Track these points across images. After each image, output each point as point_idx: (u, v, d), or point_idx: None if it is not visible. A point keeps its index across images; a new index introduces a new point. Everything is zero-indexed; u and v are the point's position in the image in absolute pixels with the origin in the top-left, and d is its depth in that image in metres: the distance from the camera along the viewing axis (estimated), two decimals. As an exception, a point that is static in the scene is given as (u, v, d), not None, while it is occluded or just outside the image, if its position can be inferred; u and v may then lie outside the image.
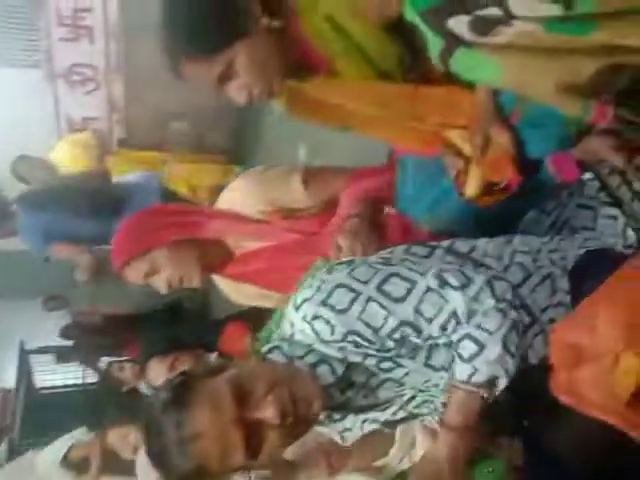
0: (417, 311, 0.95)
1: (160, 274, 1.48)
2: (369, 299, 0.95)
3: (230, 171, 4.11)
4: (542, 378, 0.95)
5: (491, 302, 0.94)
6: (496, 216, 1.27)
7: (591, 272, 1.00)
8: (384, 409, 1.08)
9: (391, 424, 1.14)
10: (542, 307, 1.01)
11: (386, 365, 1.01)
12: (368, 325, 0.95)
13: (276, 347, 1.03)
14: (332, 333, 0.96)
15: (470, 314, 0.94)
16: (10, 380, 5.01)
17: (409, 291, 0.95)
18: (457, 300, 0.94)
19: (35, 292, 5.63)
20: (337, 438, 1.14)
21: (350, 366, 1.00)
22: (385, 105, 1.17)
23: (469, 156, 1.11)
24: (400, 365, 1.01)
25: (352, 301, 0.96)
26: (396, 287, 0.96)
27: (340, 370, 0.99)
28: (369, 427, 1.11)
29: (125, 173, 3.70)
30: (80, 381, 4.66)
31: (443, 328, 0.95)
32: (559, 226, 1.28)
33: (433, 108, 1.13)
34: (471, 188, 1.11)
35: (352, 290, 0.97)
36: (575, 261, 1.06)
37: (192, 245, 1.51)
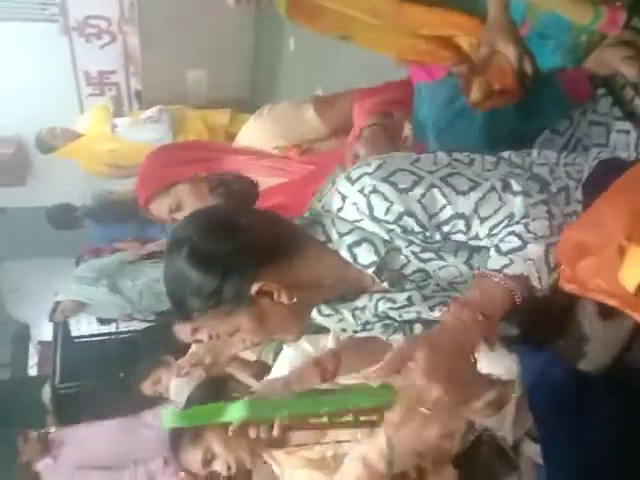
0: (476, 208, 0.96)
1: (184, 210, 1.52)
2: (432, 185, 0.96)
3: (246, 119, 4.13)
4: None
5: (544, 215, 0.96)
6: (510, 137, 1.28)
7: (603, 182, 1.02)
8: (401, 292, 1.08)
9: (400, 321, 1.13)
10: None
11: (426, 255, 1.01)
12: (425, 209, 0.95)
13: (318, 222, 1.03)
14: (387, 212, 0.96)
15: (524, 216, 0.95)
16: (48, 333, 5.23)
17: (472, 187, 0.97)
18: (516, 204, 0.95)
19: (68, 250, 5.82)
20: (349, 316, 1.14)
21: (388, 253, 1.01)
22: (377, 15, 1.18)
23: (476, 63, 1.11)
24: (441, 258, 1.01)
25: (415, 183, 0.96)
26: (461, 181, 0.97)
27: (382, 250, 0.99)
28: (383, 306, 1.10)
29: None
30: (114, 329, 4.83)
31: (492, 229, 0.96)
32: (572, 145, 1.29)
33: (421, 21, 1.13)
34: (475, 93, 1.12)
35: (415, 174, 0.97)
36: (589, 172, 1.07)
37: (213, 180, 1.55)
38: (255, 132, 1.61)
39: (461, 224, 0.97)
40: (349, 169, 1.04)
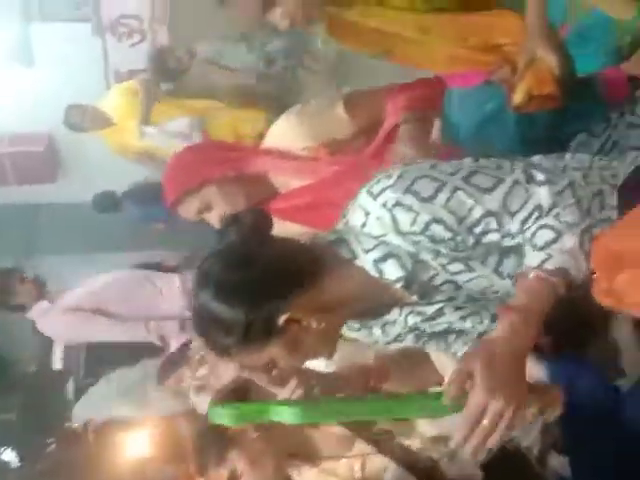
0: (503, 203, 0.95)
1: (212, 210, 1.53)
2: (455, 188, 0.95)
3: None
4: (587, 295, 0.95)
5: (572, 200, 0.95)
6: (545, 140, 1.26)
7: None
8: (431, 304, 1.07)
9: (431, 332, 1.12)
10: None
11: (455, 267, 1.00)
12: (453, 213, 0.95)
13: (342, 240, 1.03)
14: (413, 223, 0.96)
15: (552, 206, 0.94)
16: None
17: (496, 184, 0.96)
18: (542, 194, 0.95)
19: (98, 246, 5.90)
20: (378, 331, 1.13)
21: (415, 265, 1.00)
22: (425, 31, 1.18)
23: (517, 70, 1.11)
24: (469, 269, 1.00)
25: (437, 190, 0.95)
26: (484, 179, 0.96)
27: (409, 265, 0.99)
28: (413, 320, 1.09)
29: (171, 118, 3.81)
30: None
31: (524, 223, 0.95)
32: (608, 148, 1.26)
33: (473, 30, 1.13)
34: (517, 97, 1.13)
35: (437, 180, 0.97)
36: (625, 177, 1.04)
37: (240, 181, 1.55)
38: (283, 132, 1.60)
39: (493, 222, 0.95)
40: (370, 182, 1.02)
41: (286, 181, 1.58)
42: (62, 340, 3.25)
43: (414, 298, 1.04)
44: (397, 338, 1.14)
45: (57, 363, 5.67)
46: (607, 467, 1.26)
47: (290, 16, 1.17)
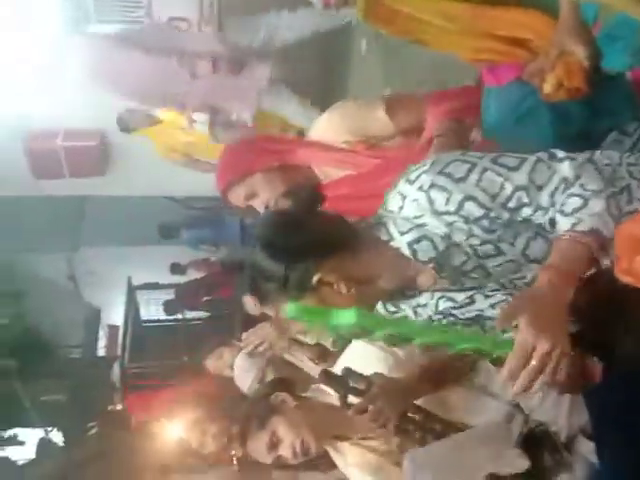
0: (530, 178, 1.02)
1: (258, 198, 1.63)
2: (485, 169, 1.04)
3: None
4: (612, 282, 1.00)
5: (594, 171, 1.02)
6: (578, 138, 1.30)
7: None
8: (462, 291, 1.14)
9: (465, 319, 1.18)
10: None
11: (485, 250, 1.07)
12: (485, 191, 1.03)
13: (381, 223, 1.13)
14: (447, 202, 1.04)
15: (577, 177, 1.01)
16: (118, 317, 5.50)
17: (521, 162, 1.04)
18: (565, 167, 1.02)
19: (141, 240, 6.07)
20: (410, 312, 1.21)
21: (447, 249, 1.08)
22: (452, 19, 1.23)
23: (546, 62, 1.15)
24: (499, 252, 1.07)
25: (469, 171, 1.04)
26: (509, 160, 1.05)
27: (442, 247, 1.07)
28: (444, 305, 1.17)
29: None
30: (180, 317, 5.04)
31: (553, 195, 1.02)
32: (640, 146, 1.30)
33: (499, 24, 1.18)
34: (547, 86, 1.17)
35: (467, 162, 1.06)
36: None
37: (284, 171, 1.64)
38: (326, 126, 1.68)
39: (524, 196, 1.02)
40: (407, 172, 1.11)
41: (328, 172, 1.67)
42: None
43: (445, 283, 1.11)
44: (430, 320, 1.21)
45: (101, 351, 5.90)
46: (635, 454, 1.28)
47: None
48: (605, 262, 1.06)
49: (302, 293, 1.08)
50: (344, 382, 1.46)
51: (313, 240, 1.07)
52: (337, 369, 1.60)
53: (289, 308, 0.98)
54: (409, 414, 1.46)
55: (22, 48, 4.52)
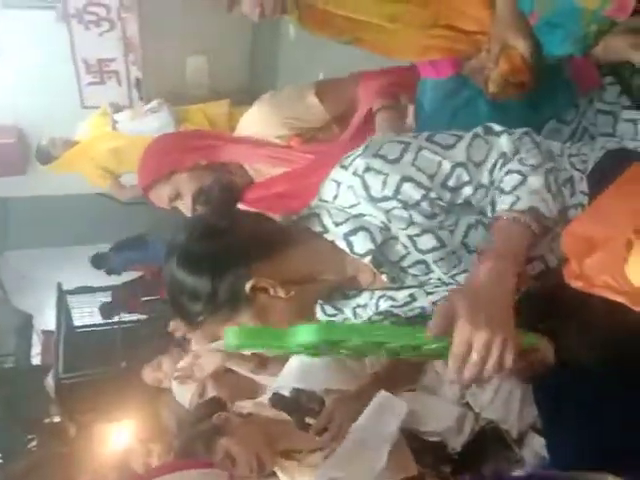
0: (468, 155, 0.97)
1: (183, 199, 1.50)
2: (420, 148, 0.98)
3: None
4: (561, 280, 0.96)
5: (532, 144, 0.98)
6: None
7: (610, 173, 1.00)
8: (402, 289, 1.07)
9: (406, 318, 1.10)
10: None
11: (425, 241, 1.00)
12: (423, 171, 0.96)
13: (314, 215, 1.04)
14: (384, 185, 0.97)
15: (515, 152, 0.96)
16: (51, 322, 5.26)
17: (457, 140, 0.98)
18: (503, 142, 0.97)
19: (69, 240, 5.83)
20: (349, 314, 1.13)
21: (386, 243, 1.00)
22: (396, 20, 1.18)
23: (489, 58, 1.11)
24: (440, 243, 1.00)
25: (403, 150, 0.98)
26: (444, 138, 0.99)
27: (379, 239, 0.99)
28: (384, 305, 1.09)
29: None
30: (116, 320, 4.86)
31: (491, 172, 0.97)
32: (579, 135, 1.27)
33: (442, 16, 1.13)
34: (492, 86, 1.15)
35: (402, 142, 0.99)
36: (595, 163, 1.05)
37: (212, 169, 1.52)
38: (256, 120, 1.58)
39: (464, 173, 0.97)
40: (341, 159, 1.03)
41: (261, 169, 1.57)
42: None
43: (384, 280, 1.03)
44: (370, 322, 1.13)
45: (36, 358, 5.64)
46: (586, 447, 1.28)
47: (260, 5, 1.15)
48: (552, 260, 1.03)
49: (236, 307, 0.96)
50: (296, 404, 1.39)
51: (237, 243, 0.96)
52: (283, 381, 1.54)
53: (229, 336, 0.83)
54: None
55: None
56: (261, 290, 0.96)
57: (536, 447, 1.45)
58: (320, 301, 1.12)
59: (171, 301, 0.99)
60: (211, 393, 1.96)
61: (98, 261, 5.49)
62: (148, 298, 5.04)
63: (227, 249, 0.95)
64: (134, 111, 3.99)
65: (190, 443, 1.54)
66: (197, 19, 4.34)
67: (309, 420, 1.39)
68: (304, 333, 0.81)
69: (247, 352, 1.94)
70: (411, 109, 1.49)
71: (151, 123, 3.71)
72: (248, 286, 0.94)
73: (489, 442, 1.50)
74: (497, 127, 0.99)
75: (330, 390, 1.46)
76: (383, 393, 1.39)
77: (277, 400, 1.42)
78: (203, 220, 1.02)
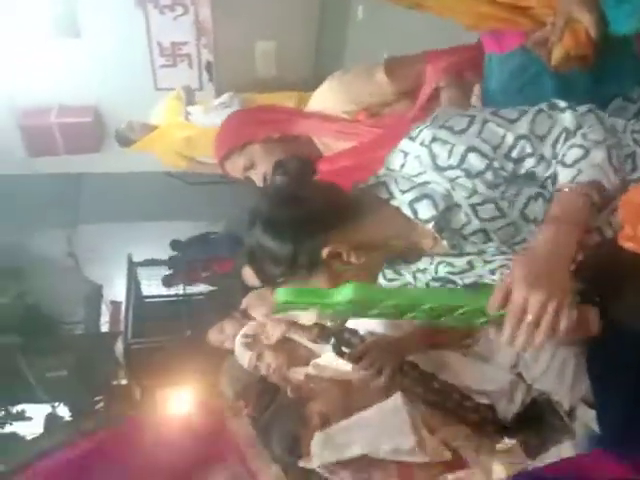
0: (531, 128, 1.01)
1: (256, 169, 1.61)
2: (485, 120, 1.02)
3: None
4: (615, 250, 0.99)
5: (595, 120, 1.01)
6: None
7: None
8: (461, 256, 1.12)
9: (463, 284, 1.16)
10: None
11: (486, 210, 1.04)
12: (487, 142, 1.01)
13: (381, 183, 1.10)
14: (450, 155, 1.02)
15: (578, 127, 1.00)
16: (119, 293, 5.53)
17: (521, 115, 1.03)
18: (566, 117, 1.01)
19: (141, 216, 6.07)
20: (410, 278, 1.19)
21: (448, 210, 1.05)
22: None
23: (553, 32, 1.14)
24: (501, 213, 1.04)
25: (470, 123, 1.03)
26: (509, 112, 1.04)
27: (442, 205, 1.04)
28: (443, 270, 1.15)
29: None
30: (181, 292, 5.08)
31: (554, 146, 1.00)
32: (645, 113, 1.28)
33: None
34: (555, 58, 1.17)
35: (467, 115, 1.04)
36: None
37: (284, 142, 1.62)
38: (326, 96, 1.66)
39: (527, 145, 1.01)
40: (409, 132, 1.08)
41: (329, 143, 1.65)
42: None
43: (445, 246, 1.09)
44: (427, 286, 1.19)
45: (104, 326, 5.95)
46: (636, 420, 1.30)
47: None
48: (609, 232, 1.07)
49: (312, 271, 1.04)
50: (339, 335, 1.52)
51: (316, 211, 1.03)
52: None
53: (279, 294, 0.92)
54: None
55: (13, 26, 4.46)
56: (336, 255, 1.03)
57: (586, 419, 1.47)
58: None
59: (253, 264, 1.07)
60: (268, 358, 2.06)
61: (176, 245, 5.75)
62: (208, 273, 5.24)
63: (307, 217, 1.03)
64: (206, 106, 4.12)
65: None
66: (266, 3, 4.45)
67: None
68: (343, 292, 0.90)
69: (306, 321, 2.04)
70: (477, 88, 1.53)
71: (223, 117, 3.81)
72: (325, 252, 1.02)
73: (540, 413, 1.53)
74: (562, 103, 1.03)
75: (374, 333, 1.55)
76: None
77: (321, 330, 1.60)
78: (284, 190, 1.09)
